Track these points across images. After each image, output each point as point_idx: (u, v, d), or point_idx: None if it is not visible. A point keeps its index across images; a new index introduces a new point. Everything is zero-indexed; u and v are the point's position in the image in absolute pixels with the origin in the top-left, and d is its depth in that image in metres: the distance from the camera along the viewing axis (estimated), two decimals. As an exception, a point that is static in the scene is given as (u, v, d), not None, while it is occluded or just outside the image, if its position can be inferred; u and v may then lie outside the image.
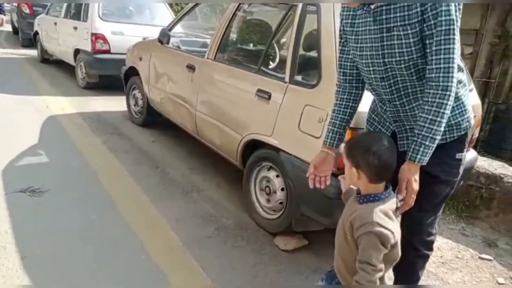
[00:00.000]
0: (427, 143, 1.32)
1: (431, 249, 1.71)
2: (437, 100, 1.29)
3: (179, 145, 4.02)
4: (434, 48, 1.28)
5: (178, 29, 4.52)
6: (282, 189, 2.43)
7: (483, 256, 2.65)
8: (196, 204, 2.85)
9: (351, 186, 1.45)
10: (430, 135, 1.31)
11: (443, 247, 2.73)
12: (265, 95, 2.45)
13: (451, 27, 1.25)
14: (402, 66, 1.38)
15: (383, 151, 1.28)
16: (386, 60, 1.40)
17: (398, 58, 1.37)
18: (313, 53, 2.34)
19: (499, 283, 2.41)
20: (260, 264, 2.23)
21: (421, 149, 1.32)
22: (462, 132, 1.51)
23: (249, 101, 2.59)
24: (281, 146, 2.33)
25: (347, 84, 1.66)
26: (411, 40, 1.32)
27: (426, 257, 1.71)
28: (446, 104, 1.29)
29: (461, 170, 1.58)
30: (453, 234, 2.92)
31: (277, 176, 2.47)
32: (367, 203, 1.30)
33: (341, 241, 1.38)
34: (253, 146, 2.63)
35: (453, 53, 1.27)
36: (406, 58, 1.35)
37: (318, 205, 2.14)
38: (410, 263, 1.66)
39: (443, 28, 1.25)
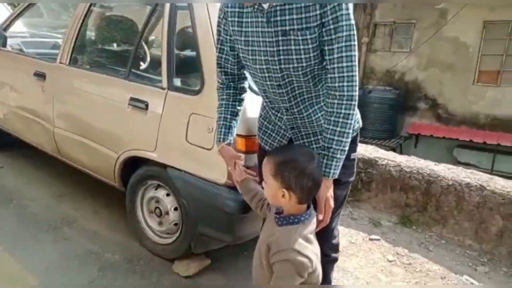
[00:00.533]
0: (338, 156, 1.25)
1: (338, 251, 1.71)
2: (343, 111, 1.22)
3: (38, 169, 3.31)
4: (335, 56, 1.20)
5: (17, 28, 3.71)
6: (175, 209, 2.15)
7: (372, 237, 2.84)
8: (69, 241, 2.35)
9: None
10: (341, 148, 1.24)
11: (343, 242, 2.83)
12: (140, 105, 2.11)
13: (351, 32, 1.18)
14: (300, 72, 1.27)
15: (315, 171, 1.18)
16: (283, 66, 1.27)
17: (296, 65, 1.25)
18: (192, 54, 2.09)
19: (389, 261, 2.60)
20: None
21: (333, 163, 1.25)
22: (354, 134, 1.49)
23: (121, 113, 2.21)
24: (167, 161, 2.04)
25: (231, 83, 1.52)
26: (310, 46, 1.21)
27: (335, 260, 1.69)
28: (353, 114, 1.23)
29: (355, 169, 1.57)
30: (343, 220, 3.06)
31: (168, 195, 2.17)
32: (286, 225, 1.17)
33: (256, 263, 1.25)
34: (133, 163, 2.27)
35: (355, 60, 1.20)
36: (304, 64, 1.24)
37: (217, 222, 1.94)
38: (322, 270, 1.62)
39: (344, 34, 1.17)
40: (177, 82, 2.05)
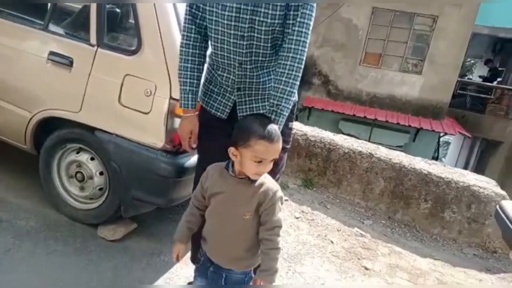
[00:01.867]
0: (284, 113, 1.40)
1: None
2: (294, 73, 1.37)
3: None
4: (298, 20, 1.35)
5: None
6: (101, 173, 2.07)
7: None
8: (-31, 210, 2.09)
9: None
10: (288, 106, 1.40)
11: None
12: (63, 61, 1.94)
13: (313, 12, 1.38)
14: (263, 28, 1.38)
15: (249, 124, 1.29)
16: (252, 17, 1.37)
17: (262, 19, 1.36)
18: (127, 9, 1.98)
19: (296, 218, 2.95)
20: (91, 265, 1.89)
21: (280, 119, 1.40)
22: (292, 104, 1.65)
23: (38, 68, 2.00)
24: (96, 124, 1.94)
25: (198, 36, 1.52)
26: (277, 12, 1.36)
27: None
28: (299, 77, 1.38)
29: (291, 138, 1.75)
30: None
31: (92, 159, 2.08)
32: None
33: (233, 225, 1.32)
34: (48, 124, 2.09)
35: (309, 31, 1.37)
36: (268, 21, 1.36)
37: (152, 187, 1.95)
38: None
39: (307, 11, 1.36)
40: (109, 39, 1.93)
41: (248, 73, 1.48)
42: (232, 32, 1.41)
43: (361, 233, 2.97)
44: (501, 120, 9.30)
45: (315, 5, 1.37)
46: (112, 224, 2.14)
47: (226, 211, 1.34)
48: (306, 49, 1.38)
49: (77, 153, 2.11)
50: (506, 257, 3.01)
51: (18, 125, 2.11)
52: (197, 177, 1.77)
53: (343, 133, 8.09)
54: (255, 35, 1.40)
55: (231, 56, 1.46)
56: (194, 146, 1.62)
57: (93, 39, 1.91)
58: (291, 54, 1.36)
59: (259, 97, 1.53)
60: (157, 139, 1.85)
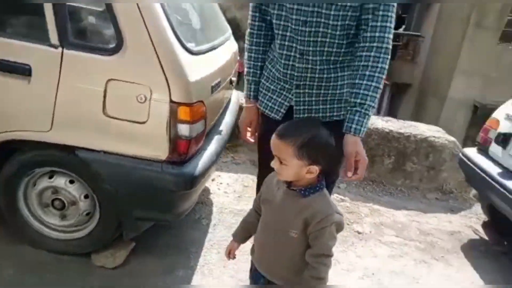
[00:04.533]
0: (369, 113, 1.24)
1: None
2: (380, 65, 1.20)
3: None
4: (381, 12, 1.19)
5: None
6: (86, 197, 1.75)
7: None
8: None
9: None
10: (373, 104, 1.23)
11: (230, 182, 2.94)
12: (17, 70, 1.52)
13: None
14: (331, 13, 1.20)
15: (331, 138, 1.16)
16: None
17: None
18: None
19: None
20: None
21: (365, 120, 1.23)
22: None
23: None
24: (76, 142, 1.60)
25: (262, 24, 1.39)
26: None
27: None
28: (386, 69, 1.22)
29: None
30: (228, 166, 3.18)
31: (71, 182, 1.74)
32: (313, 193, 1.17)
33: (278, 240, 1.21)
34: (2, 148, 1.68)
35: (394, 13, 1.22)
36: (339, 4, 1.19)
37: (159, 203, 1.72)
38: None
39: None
40: (77, 37, 1.55)
41: (310, 66, 1.29)
42: (294, 17, 1.22)
43: (341, 198, 3.07)
44: (409, 63, 10.19)
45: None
46: (108, 249, 1.86)
47: (273, 223, 1.24)
48: (391, 37, 1.20)
49: (50, 178, 1.74)
50: (460, 196, 3.40)
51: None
52: (258, 184, 1.66)
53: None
54: (322, 20, 1.21)
55: (292, 45, 1.28)
56: (253, 139, 1.54)
57: (54, 38, 1.51)
58: (375, 44, 1.18)
59: (321, 98, 1.34)
60: (160, 151, 1.59)
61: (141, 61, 1.53)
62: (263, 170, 1.59)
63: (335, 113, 1.37)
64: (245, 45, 1.46)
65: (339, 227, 1.17)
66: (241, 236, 1.38)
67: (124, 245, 1.90)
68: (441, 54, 9.32)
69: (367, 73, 1.21)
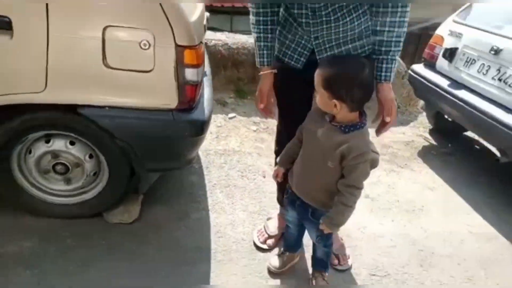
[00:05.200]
0: (396, 57, 1.30)
1: None
2: (399, 9, 1.23)
3: None
4: None
5: None
6: (90, 157, 1.67)
7: (230, 115, 3.14)
8: None
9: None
10: (398, 49, 1.29)
11: (212, 129, 2.92)
12: (-6, 24, 1.31)
13: None
14: None
15: (367, 80, 1.20)
16: None
17: None
18: None
19: (254, 131, 2.99)
20: (135, 257, 1.65)
21: (393, 66, 1.30)
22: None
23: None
24: (78, 100, 1.48)
25: None
26: None
27: None
28: (408, 12, 1.24)
29: None
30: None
31: (72, 143, 1.63)
32: (353, 131, 1.25)
33: (316, 168, 1.33)
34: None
35: None
36: None
37: (171, 152, 1.70)
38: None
39: None
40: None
41: (324, 18, 1.29)
42: None
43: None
44: None
45: None
46: (119, 206, 1.83)
47: (313, 153, 1.35)
48: None
49: (48, 142, 1.61)
50: (406, 110, 3.79)
51: None
52: (279, 134, 1.71)
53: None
54: None
55: (302, 6, 1.28)
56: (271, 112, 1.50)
57: (32, -17, 1.31)
58: None
59: (341, 40, 1.34)
60: (170, 99, 1.54)
61: (139, 4, 1.41)
62: (284, 123, 1.64)
63: (359, 50, 1.37)
64: (251, 9, 1.36)
65: (374, 164, 1.28)
66: (284, 162, 1.50)
67: (133, 200, 1.88)
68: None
69: (387, 19, 1.24)
